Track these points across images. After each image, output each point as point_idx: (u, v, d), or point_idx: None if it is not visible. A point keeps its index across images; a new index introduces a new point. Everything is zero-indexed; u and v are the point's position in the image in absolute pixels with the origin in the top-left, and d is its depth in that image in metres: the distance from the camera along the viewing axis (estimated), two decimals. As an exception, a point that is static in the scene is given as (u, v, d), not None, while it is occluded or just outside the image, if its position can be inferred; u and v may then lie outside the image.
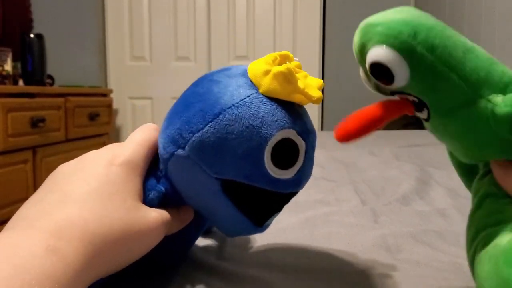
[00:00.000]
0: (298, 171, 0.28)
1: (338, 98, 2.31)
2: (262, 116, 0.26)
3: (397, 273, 0.34)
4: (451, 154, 0.32)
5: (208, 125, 0.26)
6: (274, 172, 0.27)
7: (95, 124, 2.02)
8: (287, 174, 0.28)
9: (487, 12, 1.34)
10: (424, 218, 0.49)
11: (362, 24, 0.25)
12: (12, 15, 2.15)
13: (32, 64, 1.81)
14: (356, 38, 0.25)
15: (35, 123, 1.62)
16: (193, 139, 0.26)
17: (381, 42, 0.23)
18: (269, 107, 0.27)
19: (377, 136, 1.34)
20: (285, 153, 0.27)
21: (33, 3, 2.30)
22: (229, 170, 0.27)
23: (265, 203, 0.29)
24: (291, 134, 0.27)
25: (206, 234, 0.43)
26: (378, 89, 0.27)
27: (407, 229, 0.45)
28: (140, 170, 0.28)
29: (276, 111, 0.27)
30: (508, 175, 0.23)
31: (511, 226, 0.23)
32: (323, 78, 2.33)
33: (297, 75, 0.28)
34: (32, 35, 1.84)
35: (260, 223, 0.30)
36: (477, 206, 0.26)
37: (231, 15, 2.35)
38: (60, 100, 1.79)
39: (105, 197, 0.24)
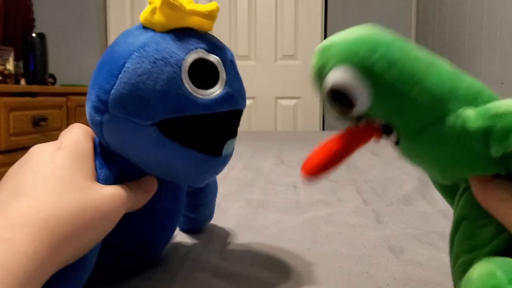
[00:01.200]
0: (225, 86, 0.28)
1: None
2: (165, 48, 0.27)
3: (401, 274, 0.34)
4: (431, 176, 0.30)
5: (118, 78, 0.26)
6: (200, 94, 0.27)
7: (96, 124, 2.02)
8: (214, 92, 0.28)
9: (488, 12, 1.34)
10: (427, 219, 0.49)
11: (318, 48, 0.23)
12: (14, 14, 2.15)
13: (34, 64, 1.81)
14: (313, 64, 0.23)
15: (37, 122, 1.62)
16: (111, 97, 0.26)
17: (338, 63, 0.21)
18: (169, 38, 0.27)
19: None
20: (204, 73, 0.27)
21: (35, 3, 2.30)
22: (157, 111, 0.26)
23: (209, 129, 0.28)
24: (201, 53, 0.27)
25: (198, 233, 0.43)
26: (343, 116, 0.24)
27: (410, 230, 0.45)
28: (87, 151, 0.28)
29: (177, 40, 0.27)
30: (486, 192, 0.22)
31: (483, 253, 0.22)
32: (324, 78, 2.33)
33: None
34: (34, 35, 1.84)
35: (217, 152, 0.29)
36: (455, 230, 0.25)
37: (233, 15, 2.35)
38: (62, 99, 1.80)
39: (55, 182, 0.24)
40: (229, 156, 0.31)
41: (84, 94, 2.11)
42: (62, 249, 0.22)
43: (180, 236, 0.42)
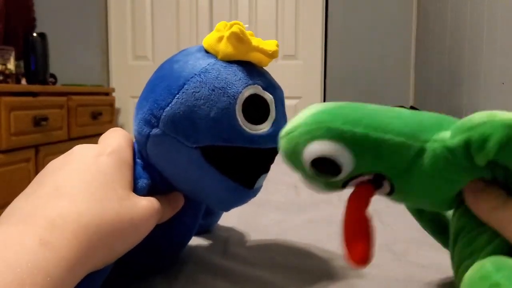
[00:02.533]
0: (273, 124, 0.29)
1: (340, 99, 2.31)
2: (225, 78, 0.27)
3: (402, 276, 0.34)
4: (413, 211, 0.31)
5: (176, 97, 0.27)
6: (249, 128, 0.28)
7: (97, 123, 2.02)
8: (262, 128, 0.28)
9: (489, 12, 1.34)
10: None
11: (282, 134, 0.25)
12: (15, 14, 2.16)
13: (35, 63, 1.82)
14: (283, 148, 0.25)
15: (38, 121, 1.62)
16: (164, 114, 0.27)
17: (308, 140, 0.23)
18: (230, 69, 0.28)
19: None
20: (256, 109, 0.28)
21: (36, 3, 2.30)
22: (205, 136, 0.27)
23: (248, 162, 0.29)
24: (257, 89, 0.28)
25: (206, 233, 0.43)
26: (329, 186, 0.26)
27: (412, 231, 0.44)
28: (128, 160, 0.28)
29: (238, 71, 0.28)
30: (479, 202, 0.23)
31: (482, 255, 0.23)
32: (325, 79, 2.33)
33: (250, 37, 0.29)
34: (35, 34, 1.84)
35: (250, 184, 0.30)
36: (454, 241, 0.26)
37: (233, 16, 2.34)
38: (63, 99, 1.80)
39: (96, 188, 0.24)
40: (258, 189, 0.32)
41: (85, 93, 2.10)
42: (95, 256, 0.22)
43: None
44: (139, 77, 2.39)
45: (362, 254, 0.24)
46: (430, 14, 2.01)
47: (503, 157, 0.20)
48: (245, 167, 0.29)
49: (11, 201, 0.25)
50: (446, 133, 0.22)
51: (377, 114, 0.23)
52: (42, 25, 2.26)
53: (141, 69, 2.40)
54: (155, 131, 0.27)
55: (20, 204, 0.23)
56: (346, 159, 0.23)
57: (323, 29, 2.31)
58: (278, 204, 0.56)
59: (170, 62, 0.30)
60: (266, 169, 0.31)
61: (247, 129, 0.28)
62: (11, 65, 1.79)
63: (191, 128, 0.27)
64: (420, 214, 0.31)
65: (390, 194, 0.25)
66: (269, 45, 0.29)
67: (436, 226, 0.31)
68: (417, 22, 2.21)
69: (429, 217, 0.31)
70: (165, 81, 0.28)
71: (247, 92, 0.28)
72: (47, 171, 0.26)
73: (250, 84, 0.28)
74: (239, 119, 0.27)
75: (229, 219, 0.48)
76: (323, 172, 0.24)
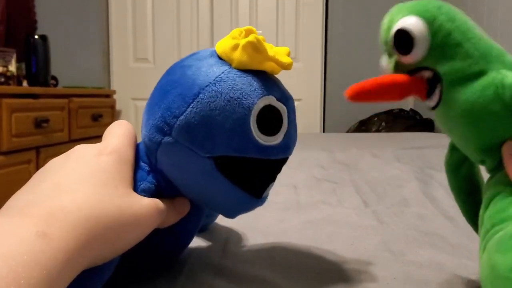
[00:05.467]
0: (285, 135, 0.29)
1: (340, 100, 2.31)
2: (241, 88, 0.27)
3: (401, 275, 0.34)
4: (450, 166, 0.32)
5: (190, 106, 0.26)
6: (263, 139, 0.28)
7: (98, 125, 2.02)
8: (275, 140, 0.28)
9: (488, 13, 1.34)
10: (427, 220, 0.49)
11: (392, 9, 0.28)
12: (17, 16, 2.16)
13: (36, 65, 1.82)
14: (386, 16, 0.28)
15: (39, 123, 1.62)
16: (178, 123, 0.27)
17: (407, 14, 0.26)
18: (245, 79, 0.28)
19: (379, 138, 1.34)
20: (270, 120, 0.28)
21: (37, 5, 2.31)
22: (219, 146, 0.27)
23: (259, 173, 0.29)
24: (272, 100, 0.28)
25: (202, 232, 0.43)
26: (396, 69, 0.28)
27: (410, 231, 0.45)
28: (129, 159, 0.28)
29: (253, 81, 0.28)
30: None
31: None
32: (325, 80, 2.33)
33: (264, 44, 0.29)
34: (36, 37, 1.85)
35: (259, 194, 0.30)
36: (485, 207, 0.27)
37: (234, 18, 2.35)
38: (64, 101, 1.80)
39: (97, 184, 0.24)
40: (266, 198, 0.32)
41: (86, 95, 2.10)
42: (94, 250, 0.22)
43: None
44: (140, 80, 2.40)
45: (358, 88, 0.26)
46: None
47: None
48: (256, 177, 0.29)
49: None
50: (510, 72, 0.24)
51: (474, 27, 0.26)
52: (44, 27, 2.27)
53: (142, 72, 2.41)
54: (167, 139, 0.27)
55: (19, 198, 0.23)
56: (423, 44, 0.26)
57: (323, 31, 2.31)
58: (278, 205, 0.56)
59: (182, 66, 0.29)
60: (274, 179, 0.31)
61: (260, 140, 0.28)
62: (12, 67, 1.79)
63: (205, 138, 0.27)
64: (457, 170, 0.32)
65: (435, 107, 0.27)
66: (284, 56, 0.29)
67: (468, 185, 0.32)
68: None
69: (465, 174, 0.32)
70: (178, 87, 0.28)
71: (262, 103, 0.27)
72: (47, 169, 0.26)
73: (265, 95, 0.28)
74: (253, 130, 0.27)
75: (229, 219, 0.49)
76: (398, 45, 0.27)
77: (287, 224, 0.48)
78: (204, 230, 0.43)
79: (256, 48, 0.27)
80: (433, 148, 1.08)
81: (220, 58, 0.29)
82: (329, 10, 2.30)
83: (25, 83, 1.86)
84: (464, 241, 0.41)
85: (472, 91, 0.25)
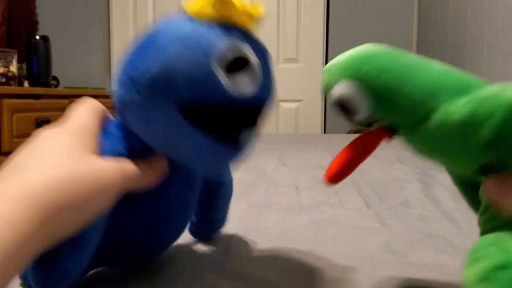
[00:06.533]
0: (253, 78, 0.27)
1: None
2: (202, 34, 0.26)
3: (403, 276, 0.34)
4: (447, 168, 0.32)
5: (152, 59, 0.26)
6: (227, 81, 0.26)
7: (99, 126, 2.02)
8: (241, 81, 0.27)
9: (490, 14, 1.34)
10: (429, 222, 0.49)
11: (324, 69, 0.28)
12: (18, 17, 2.17)
13: (38, 66, 1.82)
14: (323, 81, 0.28)
15: (40, 124, 1.63)
16: (140, 76, 0.26)
17: (337, 79, 0.26)
18: (208, 27, 0.27)
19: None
20: (235, 63, 0.27)
21: (38, 5, 2.32)
22: (185, 94, 0.26)
23: (229, 117, 0.28)
24: (235, 42, 0.27)
25: (205, 241, 0.42)
26: (353, 124, 0.28)
27: (412, 232, 0.45)
28: (90, 129, 0.27)
29: (216, 28, 0.27)
30: (502, 194, 0.23)
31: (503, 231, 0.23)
32: (326, 81, 2.33)
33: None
34: (37, 37, 1.85)
35: (233, 141, 0.29)
36: (484, 210, 0.27)
37: (235, 18, 2.36)
38: (65, 101, 1.80)
39: (50, 156, 0.24)
40: (246, 147, 0.30)
41: (87, 96, 2.11)
42: (54, 220, 0.21)
43: (184, 237, 0.42)
44: (140, 80, 2.40)
45: (332, 173, 0.26)
46: (431, 18, 2.02)
47: (507, 135, 0.21)
48: (225, 123, 0.28)
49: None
50: (462, 99, 0.22)
51: (406, 68, 0.25)
52: (45, 28, 2.27)
53: (142, 72, 2.41)
54: (132, 95, 0.27)
55: None
56: (363, 106, 0.25)
57: (324, 32, 2.31)
58: (279, 206, 0.56)
59: (149, 29, 0.29)
60: (249, 124, 0.29)
61: (225, 83, 0.26)
62: (13, 68, 1.79)
63: (170, 87, 0.26)
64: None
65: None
66: (256, 9, 0.28)
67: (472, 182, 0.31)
68: (418, 26, 2.22)
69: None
70: (141, 47, 0.27)
71: (224, 45, 0.26)
72: (10, 159, 0.26)
73: (227, 38, 0.27)
74: (217, 74, 0.26)
75: (230, 220, 0.49)
76: (343, 110, 0.26)
77: (289, 225, 0.48)
78: (207, 239, 0.42)
79: (222, 1, 0.27)
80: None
81: (186, 13, 0.28)
82: (330, 10, 2.30)
83: (26, 84, 1.86)
84: (466, 242, 0.41)
85: (429, 133, 0.24)
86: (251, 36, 0.29)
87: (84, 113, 0.28)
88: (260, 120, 0.30)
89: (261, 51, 0.29)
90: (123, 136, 0.29)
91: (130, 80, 0.27)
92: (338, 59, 0.27)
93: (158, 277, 0.33)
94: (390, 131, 0.26)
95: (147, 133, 0.28)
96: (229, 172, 0.42)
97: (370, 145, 0.27)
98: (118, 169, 0.26)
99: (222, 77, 0.26)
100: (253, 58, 0.27)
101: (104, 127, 0.29)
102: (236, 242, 0.42)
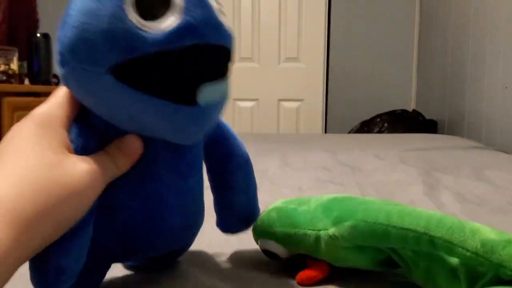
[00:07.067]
0: (182, 14, 0.24)
1: (342, 102, 2.31)
2: None
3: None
4: None
5: (67, 24, 0.25)
6: (149, 27, 0.23)
7: (99, 124, 2.02)
8: (167, 23, 0.23)
9: (492, 16, 1.34)
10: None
11: (252, 227, 0.37)
12: (19, 15, 2.16)
13: (38, 64, 1.82)
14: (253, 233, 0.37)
15: (41, 122, 1.62)
16: (64, 46, 0.25)
17: (258, 237, 0.36)
18: None
19: (381, 139, 1.33)
20: (153, 2, 0.24)
21: (39, 3, 2.31)
22: (105, 53, 0.23)
23: (172, 71, 0.24)
24: None
25: (237, 232, 0.40)
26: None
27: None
28: (55, 119, 0.26)
29: None
30: None
31: None
32: (327, 82, 2.33)
33: None
34: (38, 35, 1.85)
35: (188, 99, 0.25)
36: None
37: (236, 19, 2.35)
38: (66, 99, 1.80)
39: (19, 159, 0.23)
40: (212, 105, 0.26)
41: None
42: (33, 228, 0.21)
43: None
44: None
45: (305, 277, 0.33)
46: (432, 18, 2.02)
47: (359, 241, 0.30)
48: (170, 79, 0.24)
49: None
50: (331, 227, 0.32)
51: (299, 213, 0.34)
52: (45, 25, 2.27)
53: (143, 71, 2.40)
54: (65, 69, 0.25)
55: None
56: (280, 250, 0.35)
57: (325, 32, 2.31)
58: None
59: None
60: (206, 76, 0.25)
61: (148, 29, 0.23)
62: (14, 66, 1.79)
63: (89, 49, 0.23)
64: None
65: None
66: None
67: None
68: (420, 25, 2.21)
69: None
70: (62, 19, 0.26)
71: None
72: None
73: None
74: (133, 20, 0.23)
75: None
76: (270, 257, 0.36)
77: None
78: (236, 230, 0.38)
79: None
80: (438, 150, 1.08)
81: None
82: (332, 10, 2.30)
83: (27, 82, 1.86)
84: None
85: (328, 253, 0.32)
86: None
87: (50, 103, 0.27)
88: (217, 70, 0.26)
89: None
90: (89, 120, 0.27)
91: (59, 55, 0.25)
92: (260, 218, 0.36)
93: (159, 279, 0.33)
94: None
95: (98, 108, 0.26)
96: (237, 146, 0.36)
97: (320, 275, 0.33)
98: (93, 173, 0.24)
99: (139, 21, 0.23)
100: None
101: (77, 115, 0.27)
102: (237, 242, 0.41)
